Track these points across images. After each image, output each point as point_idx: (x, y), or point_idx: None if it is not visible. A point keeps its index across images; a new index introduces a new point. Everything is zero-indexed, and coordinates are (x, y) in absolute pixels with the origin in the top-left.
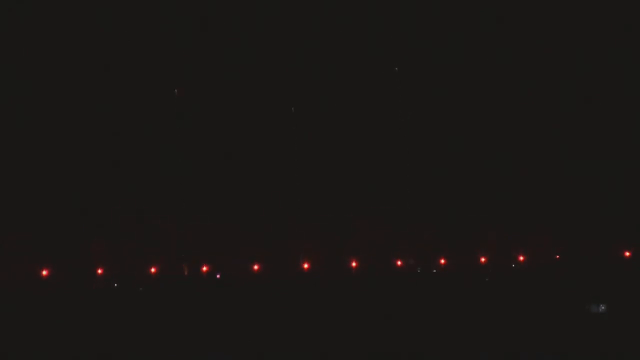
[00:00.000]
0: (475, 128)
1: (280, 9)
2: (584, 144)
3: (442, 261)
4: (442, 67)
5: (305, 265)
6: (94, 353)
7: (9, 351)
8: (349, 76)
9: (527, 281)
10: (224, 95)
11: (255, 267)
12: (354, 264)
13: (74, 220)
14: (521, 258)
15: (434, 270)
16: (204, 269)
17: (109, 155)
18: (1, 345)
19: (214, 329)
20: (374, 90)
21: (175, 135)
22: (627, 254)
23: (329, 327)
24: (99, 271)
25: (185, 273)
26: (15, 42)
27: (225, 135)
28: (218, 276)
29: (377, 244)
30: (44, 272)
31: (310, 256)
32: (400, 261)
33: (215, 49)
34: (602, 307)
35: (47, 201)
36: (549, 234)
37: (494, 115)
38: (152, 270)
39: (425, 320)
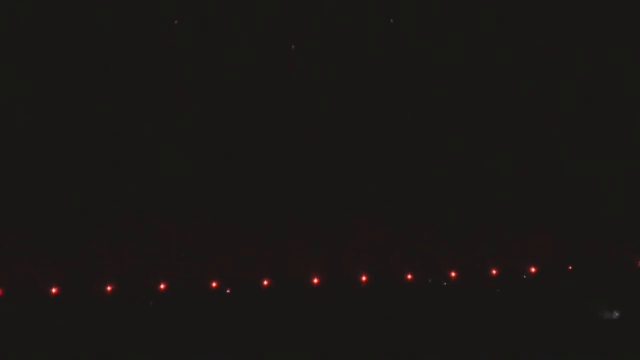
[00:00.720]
0: (475, 128)
1: (280, 9)
2: (584, 144)
3: (450, 272)
4: (442, 67)
5: (316, 280)
6: (94, 352)
7: (9, 351)
8: (349, 76)
9: (531, 284)
10: (224, 95)
11: (265, 282)
12: (364, 278)
13: (74, 220)
14: (533, 269)
15: (441, 280)
16: (213, 284)
17: (109, 155)
18: (1, 345)
19: (214, 329)
20: (374, 90)
21: (175, 135)
22: None
23: (330, 328)
24: (108, 288)
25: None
26: (15, 42)
27: (225, 135)
28: (228, 291)
29: (377, 244)
30: (53, 290)
31: (309, 258)
32: (411, 275)
33: (215, 49)
34: (616, 314)
35: (47, 201)
36: (549, 234)
37: (494, 115)
38: (162, 286)
39: (425, 321)
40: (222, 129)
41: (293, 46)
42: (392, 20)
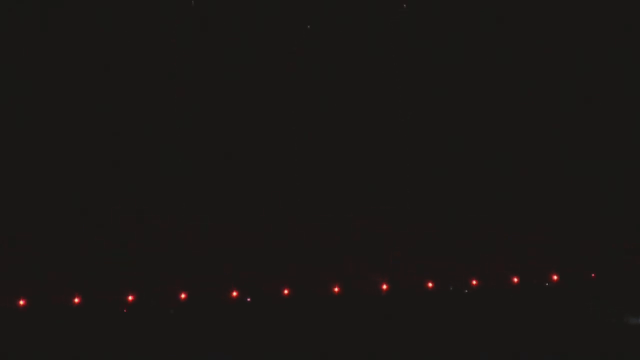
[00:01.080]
0: (475, 128)
1: (280, 9)
2: (584, 144)
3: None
4: (442, 67)
5: (337, 288)
6: (93, 351)
7: (9, 352)
8: (349, 76)
9: (532, 286)
10: (224, 95)
11: (286, 291)
12: (384, 287)
13: (74, 220)
14: (555, 277)
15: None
16: (234, 293)
17: (109, 155)
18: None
19: (215, 329)
20: (374, 90)
21: (175, 135)
22: None
23: (330, 329)
24: (130, 298)
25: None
26: (15, 42)
27: (225, 135)
28: (249, 299)
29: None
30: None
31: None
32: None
33: (215, 49)
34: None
35: (47, 201)
36: (549, 234)
37: (494, 115)
38: (182, 296)
39: (424, 322)
40: (222, 129)
41: (309, 26)
42: (405, 5)
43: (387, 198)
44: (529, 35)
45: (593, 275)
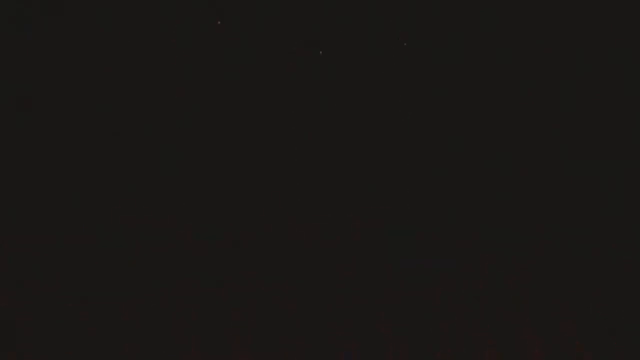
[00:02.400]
0: (475, 128)
1: (281, 8)
2: (584, 144)
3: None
4: (442, 67)
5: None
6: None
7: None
8: (349, 76)
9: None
10: (224, 95)
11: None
12: None
13: (73, 220)
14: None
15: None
16: None
17: (108, 155)
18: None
19: (216, 329)
20: (374, 90)
21: (175, 135)
22: None
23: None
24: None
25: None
26: (15, 41)
27: (225, 135)
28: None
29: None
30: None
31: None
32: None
33: (215, 49)
34: None
35: (46, 201)
36: (549, 233)
37: (494, 115)
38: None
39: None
40: (222, 128)
41: (321, 52)
42: (405, 44)
43: (387, 198)
44: (529, 35)
45: None
